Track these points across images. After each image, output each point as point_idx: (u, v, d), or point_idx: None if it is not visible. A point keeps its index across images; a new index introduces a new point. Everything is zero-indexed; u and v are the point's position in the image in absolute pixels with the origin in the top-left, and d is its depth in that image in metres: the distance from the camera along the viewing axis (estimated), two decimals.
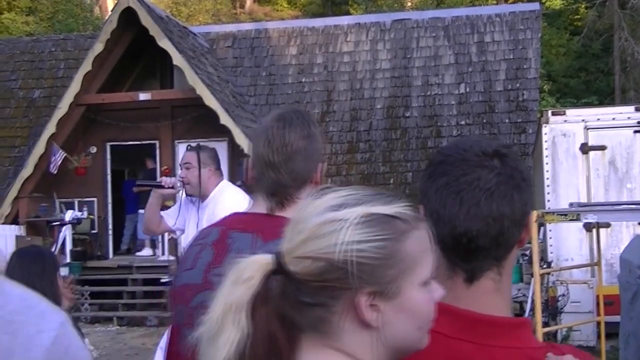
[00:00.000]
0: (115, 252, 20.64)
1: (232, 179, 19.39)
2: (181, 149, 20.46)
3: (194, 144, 7.06)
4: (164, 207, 7.15)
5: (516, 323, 1.88)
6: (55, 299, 4.94)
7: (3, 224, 19.26)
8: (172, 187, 6.75)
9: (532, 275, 10.08)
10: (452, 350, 1.79)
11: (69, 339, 1.25)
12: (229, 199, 6.51)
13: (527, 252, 13.25)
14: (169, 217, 6.91)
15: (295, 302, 1.61)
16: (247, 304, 1.58)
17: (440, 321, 1.74)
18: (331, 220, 1.60)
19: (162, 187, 6.78)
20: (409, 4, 40.98)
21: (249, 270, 1.61)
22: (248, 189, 2.78)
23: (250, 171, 2.95)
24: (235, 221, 3.01)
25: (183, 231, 6.95)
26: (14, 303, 1.24)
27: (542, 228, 12.69)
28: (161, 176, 20.55)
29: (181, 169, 6.74)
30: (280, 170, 2.83)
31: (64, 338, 1.25)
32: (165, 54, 18.83)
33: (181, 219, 6.86)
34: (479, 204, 1.80)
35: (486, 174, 1.82)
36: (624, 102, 31.90)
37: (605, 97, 36.51)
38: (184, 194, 6.75)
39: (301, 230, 1.62)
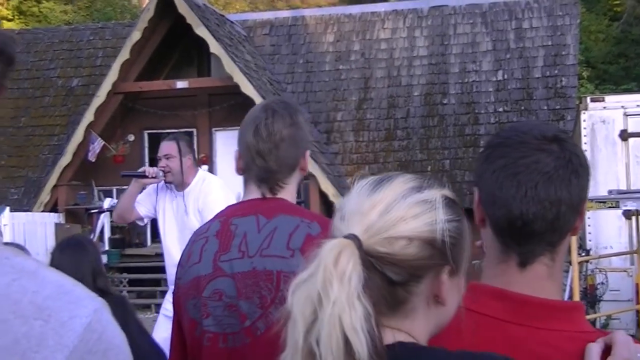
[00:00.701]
0: (153, 240, 20.72)
1: None
2: (218, 137, 20.54)
3: (170, 136, 7.26)
4: None
5: (570, 307, 1.89)
6: (103, 285, 5.02)
7: (42, 211, 19.42)
8: (155, 177, 6.87)
9: (570, 263, 10.03)
10: (508, 334, 1.78)
11: (103, 326, 1.26)
12: (216, 188, 6.82)
13: None
14: (140, 205, 7.08)
15: (376, 284, 1.58)
16: (361, 288, 1.52)
17: (494, 306, 1.78)
18: (422, 200, 1.63)
19: (145, 177, 6.90)
20: None
21: (345, 256, 1.54)
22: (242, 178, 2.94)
23: (238, 162, 3.06)
24: (232, 210, 3.12)
25: (150, 219, 7.21)
26: (49, 289, 1.24)
27: None
28: (199, 164, 20.66)
29: (161, 160, 6.89)
30: (268, 158, 2.95)
31: (97, 324, 1.25)
32: (202, 42, 18.88)
33: (151, 207, 7.07)
34: (537, 187, 1.79)
35: (545, 158, 1.81)
36: None
37: None
38: (163, 183, 6.94)
39: (387, 211, 1.61)
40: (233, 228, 2.96)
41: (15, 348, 1.19)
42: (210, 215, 6.52)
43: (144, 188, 7.10)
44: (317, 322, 1.51)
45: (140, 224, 7.52)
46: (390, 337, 1.60)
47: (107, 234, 18.17)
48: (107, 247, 17.88)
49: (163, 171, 6.85)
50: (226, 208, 3.20)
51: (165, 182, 6.91)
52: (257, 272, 2.84)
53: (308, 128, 3.15)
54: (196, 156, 7.07)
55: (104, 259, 16.97)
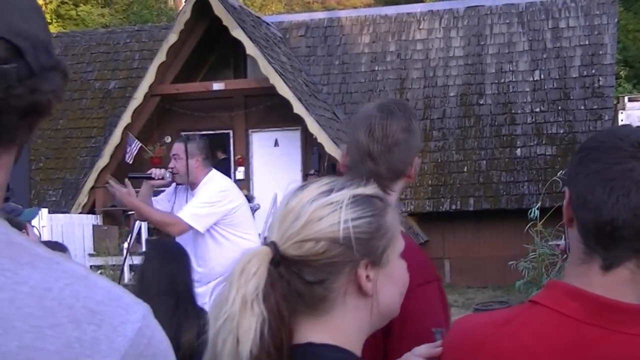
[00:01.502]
0: None
1: (306, 168, 19.53)
2: (255, 138, 20.60)
3: (184, 136, 7.34)
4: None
5: None
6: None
7: (80, 213, 19.55)
8: (162, 179, 6.94)
9: None
10: (582, 334, 1.78)
11: (152, 331, 1.29)
12: (208, 192, 6.86)
13: None
14: (158, 205, 7.14)
15: (294, 285, 1.80)
16: (261, 292, 1.72)
17: (570, 305, 1.79)
18: (327, 203, 1.81)
19: (152, 178, 6.96)
20: None
21: (253, 263, 1.75)
22: (334, 173, 2.78)
23: (344, 158, 2.94)
24: None
25: None
26: (100, 294, 1.27)
27: None
28: (236, 166, 20.74)
29: (171, 160, 7.00)
30: (379, 160, 2.82)
31: (147, 330, 1.28)
32: (238, 44, 18.93)
33: (168, 207, 7.11)
34: (629, 194, 1.77)
35: (639, 166, 1.79)
36: None
37: None
38: (174, 185, 7.06)
39: (297, 217, 1.81)
40: None
41: (67, 352, 1.21)
42: (185, 209, 6.61)
43: (161, 190, 7.26)
44: (221, 328, 1.71)
45: None
46: (304, 335, 1.81)
47: (144, 235, 18.23)
48: (144, 249, 17.93)
49: (171, 172, 6.94)
50: None
51: (176, 183, 7.02)
52: None
53: (420, 133, 3.01)
54: (208, 157, 7.05)
55: (142, 260, 17.05)
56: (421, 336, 2.54)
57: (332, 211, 1.81)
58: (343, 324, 1.84)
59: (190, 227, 6.73)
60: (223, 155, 20.36)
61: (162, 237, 19.50)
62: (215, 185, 6.97)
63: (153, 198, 7.16)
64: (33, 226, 5.97)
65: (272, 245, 1.79)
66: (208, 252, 6.88)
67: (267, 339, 1.70)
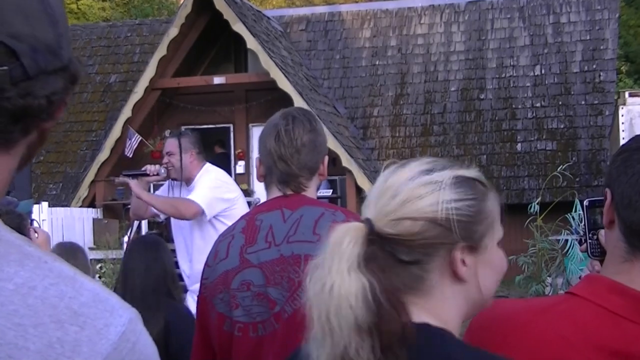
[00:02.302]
0: None
1: None
2: (255, 132, 20.59)
3: (175, 131, 7.33)
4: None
5: None
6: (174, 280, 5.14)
7: (80, 207, 19.56)
8: (157, 175, 6.96)
9: None
10: (622, 329, 1.79)
11: (136, 336, 1.27)
12: (209, 178, 6.89)
13: None
14: None
15: (390, 264, 1.70)
16: (361, 259, 1.64)
17: (613, 300, 1.80)
18: (428, 182, 1.75)
19: (147, 175, 6.97)
20: None
21: (348, 238, 1.67)
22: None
23: (259, 169, 3.23)
24: (257, 208, 3.30)
25: (166, 216, 7.20)
26: (85, 296, 1.26)
27: None
28: (236, 160, 20.75)
29: (165, 156, 6.98)
30: (289, 162, 3.10)
31: (131, 334, 1.26)
32: (239, 38, 18.93)
33: None
34: None
35: None
36: None
37: None
38: (169, 180, 7.05)
39: (396, 194, 1.74)
40: (258, 223, 3.08)
41: (48, 352, 1.20)
42: (192, 194, 6.59)
43: (159, 186, 7.32)
44: (325, 297, 1.64)
45: (158, 220, 7.64)
46: (416, 315, 1.70)
47: (144, 229, 18.24)
48: None
49: (166, 168, 6.93)
50: (251, 208, 3.32)
51: (171, 179, 7.02)
52: (284, 258, 2.95)
53: (325, 136, 3.30)
54: (201, 151, 7.05)
55: None
56: None
57: (432, 190, 1.73)
58: (443, 308, 1.75)
59: (202, 211, 6.70)
60: (221, 150, 20.35)
61: (161, 230, 19.57)
62: (213, 175, 6.98)
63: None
64: (33, 220, 5.97)
65: (367, 221, 1.71)
66: (205, 246, 6.88)
67: (382, 305, 1.60)
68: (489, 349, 1.84)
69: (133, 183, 6.87)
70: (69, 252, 5.11)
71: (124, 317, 1.27)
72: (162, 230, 19.69)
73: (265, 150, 3.16)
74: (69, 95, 1.33)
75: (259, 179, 3.25)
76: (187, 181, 6.93)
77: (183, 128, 20.88)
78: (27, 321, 1.21)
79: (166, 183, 7.16)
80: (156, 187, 7.42)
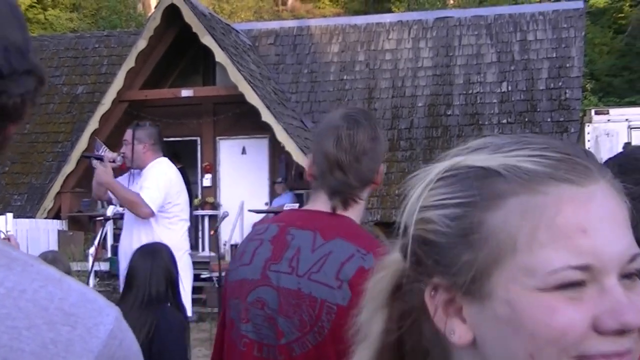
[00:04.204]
0: None
1: (273, 176, 19.54)
2: (222, 146, 20.57)
3: (135, 122, 7.63)
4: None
5: None
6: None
7: (46, 218, 19.44)
8: (113, 161, 7.33)
9: None
10: None
11: (123, 333, 1.31)
12: (158, 168, 7.28)
13: None
14: None
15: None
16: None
17: None
18: (417, 179, 1.25)
19: (102, 159, 7.35)
20: (452, 1, 40.89)
21: None
22: (300, 181, 2.92)
23: (310, 168, 2.97)
24: (294, 218, 3.05)
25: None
26: (74, 296, 1.29)
27: None
28: (203, 173, 20.68)
29: (123, 145, 7.40)
30: (348, 171, 2.86)
31: (119, 332, 1.30)
32: (207, 51, 18.92)
33: None
34: None
35: None
36: None
37: None
38: (130, 169, 7.49)
39: None
40: (289, 238, 2.90)
41: (43, 353, 1.23)
42: (144, 192, 6.97)
43: (120, 174, 7.59)
44: None
45: (113, 204, 8.04)
46: None
47: (110, 241, 18.15)
48: (109, 255, 17.86)
49: (122, 157, 7.35)
50: (290, 211, 3.16)
51: (129, 168, 7.44)
52: (301, 294, 2.79)
53: (384, 140, 3.06)
54: (157, 143, 7.45)
55: (107, 266, 16.99)
56: None
57: (410, 193, 1.23)
58: None
59: (153, 213, 7.12)
60: (178, 164, 20.27)
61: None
62: (160, 168, 7.31)
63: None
64: (8, 231, 6.00)
65: None
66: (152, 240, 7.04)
67: None
68: None
69: (102, 168, 7.18)
70: (50, 262, 5.12)
71: (110, 315, 1.30)
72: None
73: (322, 153, 2.89)
74: (37, 96, 1.35)
75: (308, 177, 2.99)
76: (136, 167, 7.35)
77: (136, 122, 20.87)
78: (20, 324, 1.23)
79: (127, 173, 7.54)
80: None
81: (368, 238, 2.91)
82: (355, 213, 2.95)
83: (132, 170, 7.43)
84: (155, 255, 5.21)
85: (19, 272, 1.27)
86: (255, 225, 3.25)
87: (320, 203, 2.94)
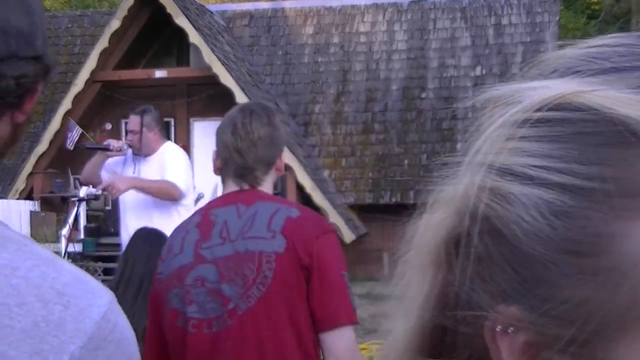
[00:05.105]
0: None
1: None
2: (196, 127, 20.51)
3: (138, 109, 7.45)
4: None
5: None
6: None
7: (18, 199, 19.34)
8: (120, 151, 7.16)
9: None
10: None
11: (116, 317, 1.30)
12: (179, 154, 7.20)
13: None
14: (104, 171, 7.32)
15: None
16: None
17: None
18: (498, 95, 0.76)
19: (109, 150, 7.17)
20: None
21: None
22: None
23: (216, 162, 3.23)
24: (212, 203, 3.30)
25: None
26: (67, 277, 1.28)
27: None
28: None
29: (128, 134, 7.30)
30: (246, 155, 3.11)
31: (112, 315, 1.29)
32: (181, 32, 18.83)
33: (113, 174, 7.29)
34: None
35: None
36: None
37: None
38: (131, 153, 7.22)
39: None
40: (213, 218, 3.07)
41: (34, 331, 1.22)
42: (168, 175, 6.75)
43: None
44: None
45: (97, 193, 7.80)
46: None
47: (82, 222, 18.08)
48: (82, 236, 17.80)
49: (129, 145, 7.13)
50: (206, 203, 3.33)
51: (134, 154, 7.18)
52: (239, 255, 2.94)
53: (284, 129, 3.37)
54: (163, 128, 7.37)
55: (79, 247, 16.92)
56: (336, 279, 2.97)
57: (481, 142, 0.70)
58: None
59: (185, 193, 6.94)
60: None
61: (99, 223, 19.40)
62: (177, 152, 7.21)
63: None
64: None
65: None
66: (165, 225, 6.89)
67: None
68: None
69: (120, 178, 6.93)
70: None
71: (104, 298, 1.29)
72: (100, 224, 19.56)
73: (222, 143, 3.17)
74: (39, 84, 1.34)
75: (216, 171, 3.25)
76: (146, 155, 7.09)
77: (123, 121, 20.77)
78: (11, 300, 1.22)
79: (128, 154, 7.27)
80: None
81: (285, 199, 3.39)
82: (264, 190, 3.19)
83: (136, 156, 7.19)
84: (153, 242, 5.11)
85: (13, 250, 1.26)
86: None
87: (230, 187, 3.18)
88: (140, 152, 7.09)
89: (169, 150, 7.15)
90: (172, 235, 3.24)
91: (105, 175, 7.25)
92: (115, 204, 20.37)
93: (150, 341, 3.19)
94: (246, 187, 3.13)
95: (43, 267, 1.27)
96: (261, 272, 2.87)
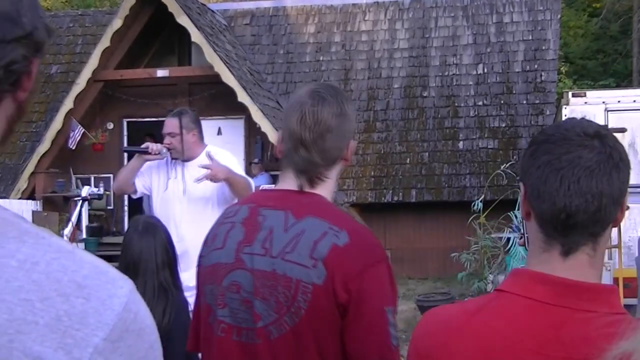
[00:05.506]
0: None
1: (249, 156, 19.48)
2: None
3: (174, 110, 7.17)
4: None
5: (607, 289, 1.95)
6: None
7: (20, 198, 19.32)
8: (158, 154, 6.74)
9: None
10: (551, 316, 1.86)
11: (137, 306, 1.30)
12: (232, 159, 6.83)
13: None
14: (138, 178, 6.90)
15: None
16: None
17: (537, 290, 1.88)
18: None
19: (147, 153, 6.77)
20: None
21: None
22: (276, 162, 2.86)
23: (279, 145, 2.93)
24: (265, 198, 3.01)
25: (144, 194, 7.03)
26: (86, 268, 1.28)
27: None
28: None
29: (165, 137, 6.76)
30: (311, 148, 2.82)
31: (133, 305, 1.29)
32: (183, 31, 18.81)
33: (148, 181, 6.90)
34: (579, 181, 1.88)
35: (587, 153, 1.89)
36: None
37: (622, 80, 36.34)
38: (170, 158, 6.79)
39: None
40: (261, 219, 2.87)
41: (57, 325, 1.21)
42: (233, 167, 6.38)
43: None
44: None
45: (133, 196, 7.36)
46: None
47: (84, 222, 18.09)
48: (84, 236, 17.79)
49: (168, 148, 6.72)
50: (258, 192, 3.11)
51: (172, 158, 6.78)
52: (276, 275, 2.75)
53: (355, 117, 3.01)
54: (201, 130, 6.93)
55: (82, 247, 16.91)
56: (375, 315, 2.70)
57: None
58: None
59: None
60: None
61: (102, 223, 19.38)
62: (227, 154, 6.89)
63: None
64: None
65: None
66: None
67: None
68: (433, 356, 1.92)
69: (219, 165, 6.56)
70: None
71: (124, 287, 1.29)
72: (102, 223, 19.57)
73: (288, 130, 2.86)
74: (32, 64, 1.32)
75: (277, 154, 2.96)
76: (188, 159, 6.74)
77: (125, 121, 20.80)
78: (34, 296, 1.22)
79: (159, 161, 6.87)
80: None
81: (340, 215, 2.88)
82: (324, 191, 2.91)
83: (174, 160, 6.79)
84: (156, 233, 4.98)
85: (31, 244, 1.26)
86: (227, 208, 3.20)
87: (288, 182, 2.90)
88: (182, 156, 6.71)
89: (219, 153, 6.78)
90: (218, 221, 3.04)
91: (137, 181, 6.88)
92: (118, 203, 20.42)
93: (194, 318, 3.09)
94: (306, 186, 2.86)
95: (63, 260, 1.27)
96: (295, 302, 2.69)
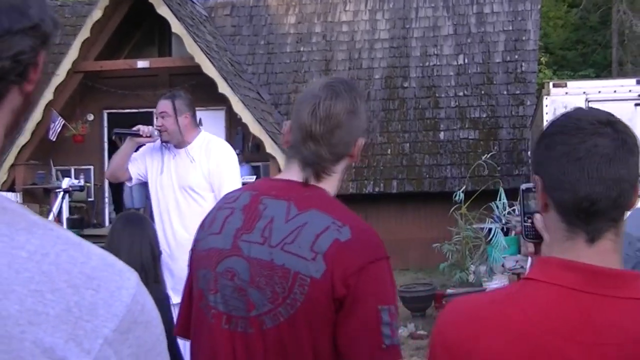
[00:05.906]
0: (111, 220, 20.62)
1: None
2: None
3: (167, 93, 7.03)
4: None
5: (632, 275, 1.98)
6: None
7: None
8: (150, 136, 6.63)
9: None
10: (582, 302, 1.89)
11: (144, 298, 1.31)
12: (227, 148, 6.65)
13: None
14: (132, 164, 6.79)
15: None
16: None
17: (567, 277, 1.90)
18: None
19: (139, 135, 6.65)
20: None
21: None
22: (257, 152, 2.79)
23: (287, 134, 2.91)
24: (267, 187, 2.97)
25: (139, 182, 6.89)
26: (95, 260, 1.29)
27: None
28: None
29: (156, 118, 6.65)
30: (320, 142, 2.80)
31: (140, 297, 1.30)
32: (164, 22, 18.75)
33: (143, 168, 6.78)
34: (599, 168, 1.91)
35: (602, 141, 1.93)
36: (621, 75, 31.88)
37: (602, 70, 36.53)
38: (160, 142, 6.66)
39: None
40: (262, 208, 2.84)
41: (67, 317, 1.22)
42: (225, 187, 6.04)
43: (138, 147, 6.82)
44: None
45: (128, 184, 7.22)
46: None
47: (65, 214, 18.02)
48: (65, 228, 17.75)
49: (159, 130, 6.58)
50: (262, 180, 3.07)
51: (162, 142, 6.63)
52: (274, 265, 2.72)
53: (367, 114, 2.96)
54: (195, 113, 6.72)
55: None
56: (368, 314, 2.67)
57: None
58: None
59: None
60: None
61: (82, 215, 19.30)
62: (228, 147, 6.71)
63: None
64: None
65: None
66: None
67: None
68: (462, 348, 1.93)
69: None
70: None
71: (132, 279, 1.30)
72: (83, 215, 19.49)
73: (298, 121, 2.83)
74: (39, 56, 1.32)
75: (284, 144, 2.94)
76: (180, 144, 6.59)
77: (105, 112, 20.73)
78: (44, 287, 1.22)
79: (151, 145, 6.74)
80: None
81: (344, 210, 2.85)
82: (329, 185, 2.88)
83: (163, 143, 6.64)
84: (143, 228, 4.95)
85: (40, 235, 1.27)
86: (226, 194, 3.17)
87: (293, 173, 2.88)
88: (172, 139, 6.54)
89: (220, 149, 6.58)
90: (217, 206, 3.01)
91: (131, 168, 6.74)
92: (99, 195, 20.32)
93: (187, 298, 3.06)
94: (311, 179, 2.83)
95: (71, 252, 1.27)
96: (292, 294, 2.66)
